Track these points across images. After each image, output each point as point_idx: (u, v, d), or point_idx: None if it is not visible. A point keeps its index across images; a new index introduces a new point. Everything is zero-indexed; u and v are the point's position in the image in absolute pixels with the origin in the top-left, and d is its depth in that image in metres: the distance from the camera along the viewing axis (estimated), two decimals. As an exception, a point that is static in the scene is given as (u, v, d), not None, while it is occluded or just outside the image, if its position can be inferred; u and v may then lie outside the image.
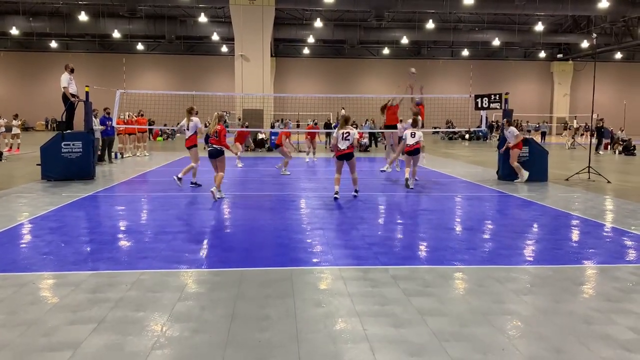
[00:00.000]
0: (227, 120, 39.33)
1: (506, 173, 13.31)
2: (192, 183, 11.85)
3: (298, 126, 34.56)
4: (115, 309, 4.41)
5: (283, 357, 3.61)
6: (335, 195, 10.19)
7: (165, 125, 27.12)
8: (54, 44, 44.54)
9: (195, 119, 11.72)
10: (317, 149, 20.29)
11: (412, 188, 11.77)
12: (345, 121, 10.44)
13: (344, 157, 10.26)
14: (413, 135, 12.00)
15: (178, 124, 12.31)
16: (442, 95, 21.88)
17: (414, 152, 11.98)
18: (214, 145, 10.24)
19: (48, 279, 5.23)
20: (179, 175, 11.09)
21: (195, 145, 11.63)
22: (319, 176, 14.65)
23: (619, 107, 44.31)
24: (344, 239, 6.98)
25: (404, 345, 3.79)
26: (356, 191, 10.61)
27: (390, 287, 5.05)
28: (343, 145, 10.15)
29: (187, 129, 11.66)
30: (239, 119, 27.47)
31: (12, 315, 4.26)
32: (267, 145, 25.27)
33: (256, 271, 5.55)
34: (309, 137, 19.59)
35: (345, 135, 10.16)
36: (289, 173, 14.54)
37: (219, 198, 9.98)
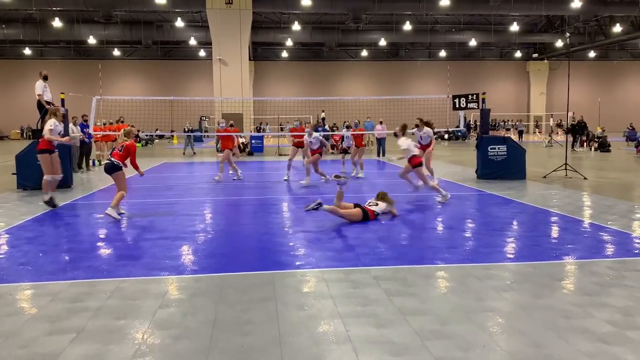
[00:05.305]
0: (208, 126, 39.23)
1: (485, 172, 13.46)
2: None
3: (282, 129, 34.53)
4: (95, 318, 4.35)
5: (266, 361, 3.60)
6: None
7: (139, 130, 26.69)
8: (27, 51, 43.85)
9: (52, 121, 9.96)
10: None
11: None
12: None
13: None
14: None
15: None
16: (420, 96, 22.02)
17: None
18: (111, 159, 8.84)
19: (25, 289, 5.13)
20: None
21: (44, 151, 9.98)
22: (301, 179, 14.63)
23: (593, 105, 45.09)
24: (325, 241, 6.98)
25: (386, 345, 3.80)
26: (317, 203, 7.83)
27: (372, 287, 5.06)
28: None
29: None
30: (218, 123, 27.23)
31: (-12, 328, 4.17)
32: (247, 150, 25.17)
33: (238, 276, 5.52)
34: (295, 143, 14.70)
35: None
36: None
37: (118, 215, 8.56)
